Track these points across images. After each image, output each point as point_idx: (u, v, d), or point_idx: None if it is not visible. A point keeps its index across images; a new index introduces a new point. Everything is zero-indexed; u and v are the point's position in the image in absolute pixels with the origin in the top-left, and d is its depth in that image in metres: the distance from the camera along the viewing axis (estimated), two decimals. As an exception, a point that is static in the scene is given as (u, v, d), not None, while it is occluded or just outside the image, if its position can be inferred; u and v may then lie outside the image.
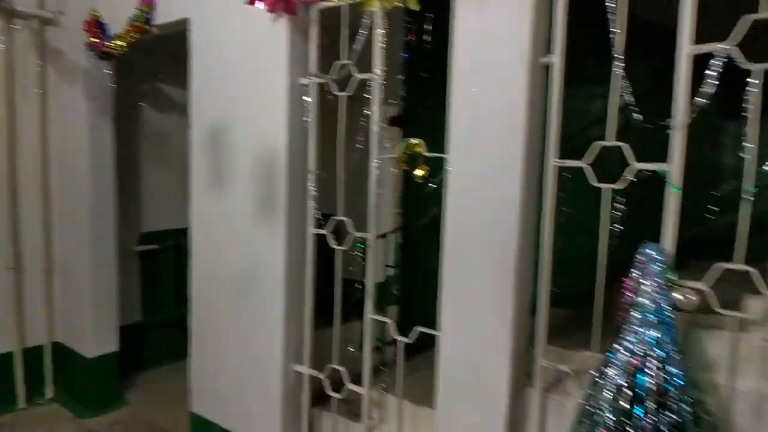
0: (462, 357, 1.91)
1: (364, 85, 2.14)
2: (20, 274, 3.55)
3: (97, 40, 2.98)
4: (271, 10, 2.14)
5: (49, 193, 3.63)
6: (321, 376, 2.41)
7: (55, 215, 3.65)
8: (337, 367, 2.35)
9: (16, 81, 3.48)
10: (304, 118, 2.34)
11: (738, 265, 1.44)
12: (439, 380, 1.97)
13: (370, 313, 2.22)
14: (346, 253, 2.34)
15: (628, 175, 1.58)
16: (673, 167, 1.50)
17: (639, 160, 1.55)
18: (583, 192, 1.67)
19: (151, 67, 3.97)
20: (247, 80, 2.47)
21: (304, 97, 2.33)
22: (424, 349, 2.24)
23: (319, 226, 2.37)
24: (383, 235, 3.66)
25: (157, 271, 4.23)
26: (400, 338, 2.14)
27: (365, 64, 2.11)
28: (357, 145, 2.23)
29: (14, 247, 3.49)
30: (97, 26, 3.04)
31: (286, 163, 2.32)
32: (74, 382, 3.69)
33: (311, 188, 2.36)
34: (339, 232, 2.32)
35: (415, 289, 3.28)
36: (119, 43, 2.85)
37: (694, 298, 1.43)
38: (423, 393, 2.15)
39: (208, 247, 2.73)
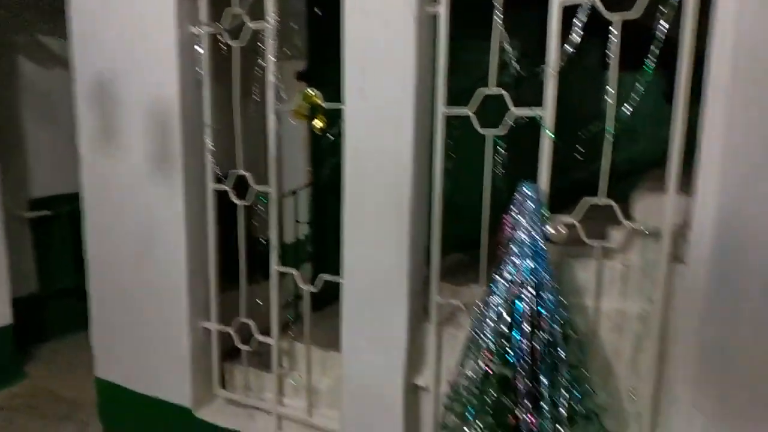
0: (363, 300, 2.00)
1: (260, 36, 2.09)
2: None
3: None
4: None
5: None
6: (230, 330, 2.43)
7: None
8: (245, 321, 2.37)
9: None
10: (197, 69, 2.26)
11: (601, 200, 1.60)
12: (344, 324, 2.06)
13: (275, 265, 2.25)
14: (252, 209, 2.33)
15: (509, 120, 1.69)
16: (547, 113, 1.62)
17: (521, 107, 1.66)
18: (472, 140, 1.77)
19: (28, 18, 3.62)
20: (133, 28, 2.33)
21: (196, 47, 2.25)
22: (335, 300, 2.32)
23: (221, 182, 2.34)
24: (294, 192, 3.67)
25: (51, 239, 3.99)
26: (305, 287, 2.19)
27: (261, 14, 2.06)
28: (254, 98, 2.19)
29: None
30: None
31: (179, 116, 2.24)
32: (-35, 359, 3.45)
33: (209, 143, 2.31)
34: (243, 188, 2.31)
35: (328, 244, 3.34)
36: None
37: (564, 231, 1.58)
38: (332, 339, 2.24)
39: (103, 208, 2.60)
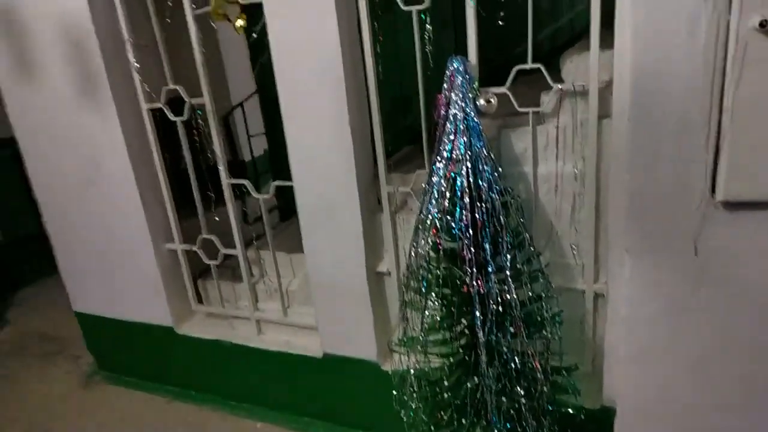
0: (316, 200, 2.02)
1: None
2: None
3: None
4: None
5: None
6: (194, 248, 2.46)
7: None
8: (208, 237, 2.40)
9: None
10: (103, -18, 2.11)
11: (529, 65, 1.60)
12: (302, 225, 2.10)
13: (225, 178, 2.24)
14: (194, 127, 2.28)
15: (430, -7, 1.64)
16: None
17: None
18: (402, 26, 1.72)
19: None
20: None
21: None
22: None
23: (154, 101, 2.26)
24: (240, 105, 3.57)
25: (3, 186, 3.89)
26: (258, 195, 2.21)
27: None
28: (169, 3, 2.06)
29: None
30: None
31: (95, 34, 2.11)
32: (-58, 315, 3.48)
33: (132, 60, 2.20)
34: (178, 104, 2.24)
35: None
36: None
37: (495, 102, 1.59)
38: (299, 244, 2.28)
39: (39, 146, 2.52)
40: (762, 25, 1.09)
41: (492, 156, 1.57)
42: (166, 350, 2.67)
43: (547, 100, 1.65)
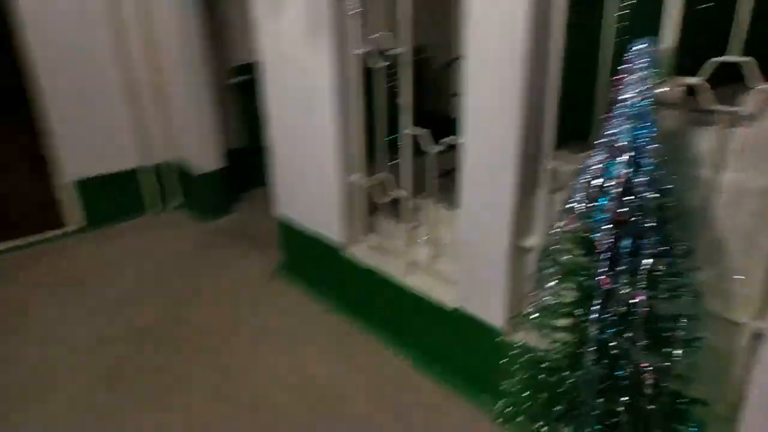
0: (478, 163, 2.07)
1: None
2: (137, 101, 4.16)
3: None
4: None
5: (151, 24, 4.04)
6: (371, 183, 2.72)
7: (160, 52, 4.08)
8: (383, 177, 2.63)
9: None
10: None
11: (733, 58, 1.39)
12: (462, 185, 2.17)
13: (406, 129, 2.40)
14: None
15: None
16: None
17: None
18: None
19: None
20: None
21: None
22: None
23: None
24: (449, 64, 3.66)
25: (254, 101, 4.66)
26: (429, 148, 2.33)
27: None
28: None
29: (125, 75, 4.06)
30: None
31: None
32: (192, 194, 4.43)
33: (351, 6, 2.45)
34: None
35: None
36: None
37: (678, 91, 1.43)
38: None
39: (275, 72, 2.99)
40: None
41: (661, 150, 1.43)
42: (333, 265, 3.04)
43: (750, 100, 1.43)
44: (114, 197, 4.29)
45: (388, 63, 2.42)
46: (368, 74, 2.57)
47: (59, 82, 3.85)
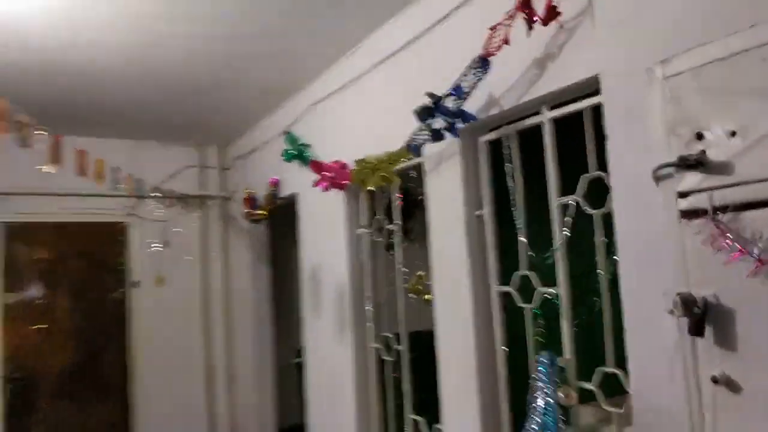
0: None
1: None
2: (212, 384, 4.85)
3: (250, 210, 4.31)
4: (326, 189, 3.05)
5: (231, 319, 4.94)
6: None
7: (236, 338, 4.92)
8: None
9: (209, 239, 5.00)
10: (360, 258, 3.16)
11: (609, 369, 1.77)
12: None
13: (410, 413, 2.78)
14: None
15: (537, 298, 2.03)
16: (561, 290, 1.92)
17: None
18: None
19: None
20: (327, 233, 3.40)
21: (359, 243, 3.16)
22: None
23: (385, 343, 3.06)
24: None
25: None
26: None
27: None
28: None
29: (206, 361, 4.83)
30: (251, 200, 4.38)
31: (349, 291, 3.12)
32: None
33: (368, 308, 3.10)
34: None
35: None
36: (261, 211, 4.12)
37: (574, 395, 1.79)
38: None
39: (314, 361, 3.58)
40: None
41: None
42: None
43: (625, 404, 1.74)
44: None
45: (393, 359, 2.93)
46: (382, 363, 3.08)
47: (153, 364, 4.67)
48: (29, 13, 2.40)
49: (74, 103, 3.66)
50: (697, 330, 1.24)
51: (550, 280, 1.99)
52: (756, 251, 1.14)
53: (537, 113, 1.99)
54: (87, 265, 4.83)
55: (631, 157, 1.48)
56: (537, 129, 1.99)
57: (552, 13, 1.60)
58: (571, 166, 1.92)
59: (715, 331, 1.26)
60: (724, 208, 1.18)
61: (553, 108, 1.93)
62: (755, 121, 1.16)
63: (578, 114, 1.83)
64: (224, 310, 4.97)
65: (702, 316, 1.24)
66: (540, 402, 1.81)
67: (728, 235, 1.17)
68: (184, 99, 3.74)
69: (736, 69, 1.18)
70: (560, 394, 1.81)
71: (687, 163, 1.21)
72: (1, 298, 4.35)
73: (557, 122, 1.94)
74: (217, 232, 5.03)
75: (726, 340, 1.24)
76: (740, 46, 1.18)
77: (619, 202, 1.58)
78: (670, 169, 1.27)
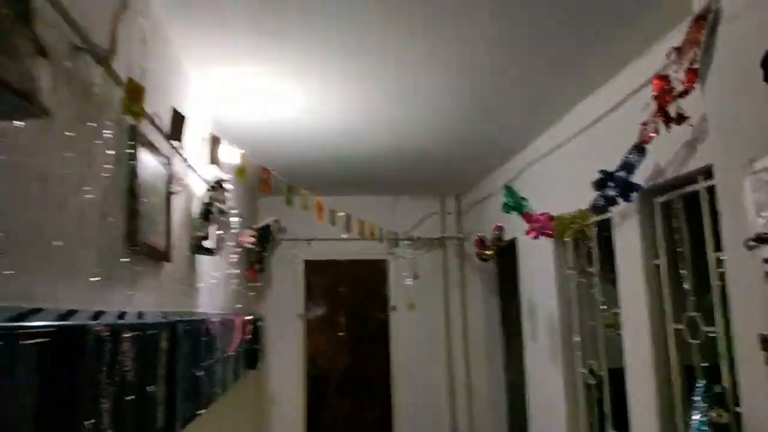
0: None
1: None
2: (453, 392, 5.80)
3: (480, 250, 5.20)
4: (535, 237, 3.74)
5: (468, 342, 5.87)
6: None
7: (472, 357, 5.82)
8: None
9: (448, 274, 6.04)
10: (568, 296, 3.75)
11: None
12: None
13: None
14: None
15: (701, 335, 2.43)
16: (718, 329, 2.31)
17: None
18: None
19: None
20: (540, 274, 4.07)
21: (567, 283, 3.76)
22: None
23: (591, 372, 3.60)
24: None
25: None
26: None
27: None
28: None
29: (449, 374, 5.83)
30: (481, 242, 5.27)
31: (559, 323, 3.74)
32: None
33: (576, 338, 3.66)
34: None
35: None
36: (488, 252, 4.98)
37: (724, 415, 2.17)
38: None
39: (536, 381, 4.24)
40: None
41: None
42: None
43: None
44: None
45: (596, 383, 3.44)
46: (588, 387, 3.60)
47: (406, 372, 5.85)
48: (330, 117, 3.72)
49: (356, 172, 5.14)
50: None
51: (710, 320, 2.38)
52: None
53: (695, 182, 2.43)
54: (360, 291, 6.34)
55: (735, 229, 1.89)
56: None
57: (681, 118, 2.10)
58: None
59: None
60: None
61: (707, 178, 2.36)
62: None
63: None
64: (462, 334, 5.93)
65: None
66: (695, 418, 2.24)
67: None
68: (431, 158, 4.84)
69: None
70: (712, 414, 2.21)
71: (765, 238, 1.63)
72: (305, 314, 6.04)
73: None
74: (455, 267, 6.05)
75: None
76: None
77: (730, 262, 1.97)
78: (755, 242, 1.68)
